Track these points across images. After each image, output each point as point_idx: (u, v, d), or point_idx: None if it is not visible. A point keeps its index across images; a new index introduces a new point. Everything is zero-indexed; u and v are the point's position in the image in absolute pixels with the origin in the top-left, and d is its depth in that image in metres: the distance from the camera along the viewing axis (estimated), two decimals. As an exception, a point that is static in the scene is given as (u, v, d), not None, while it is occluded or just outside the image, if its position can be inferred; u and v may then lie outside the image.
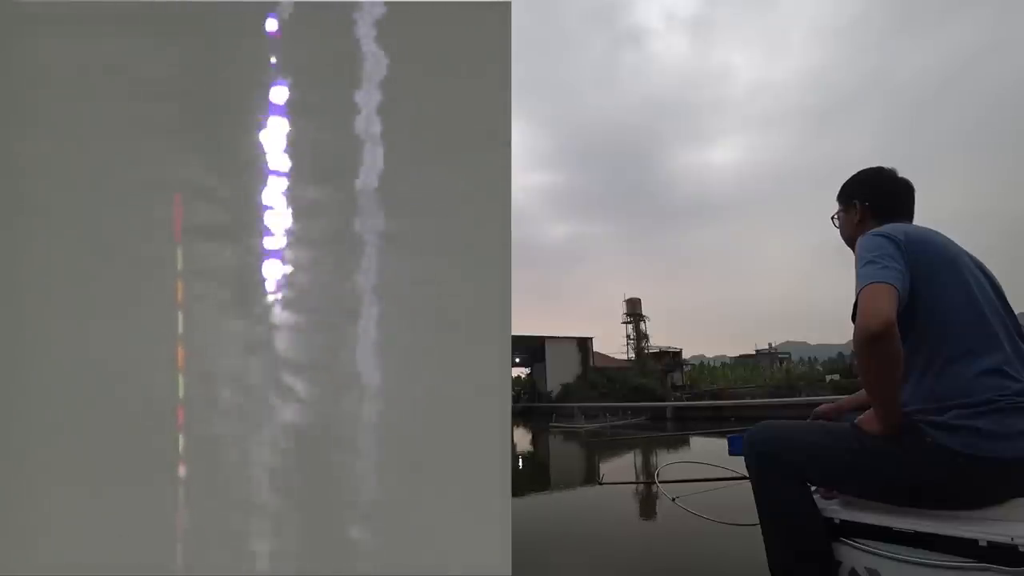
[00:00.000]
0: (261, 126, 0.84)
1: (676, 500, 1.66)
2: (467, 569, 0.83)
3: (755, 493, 1.17)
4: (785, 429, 1.19)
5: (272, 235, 0.84)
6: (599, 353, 34.93)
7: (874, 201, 1.24)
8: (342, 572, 0.82)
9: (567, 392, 27.89)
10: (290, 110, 0.85)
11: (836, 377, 22.66)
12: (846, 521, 1.07)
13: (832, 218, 1.35)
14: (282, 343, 0.84)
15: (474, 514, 0.84)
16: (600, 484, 5.91)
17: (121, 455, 0.81)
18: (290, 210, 0.84)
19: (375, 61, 0.84)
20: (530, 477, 7.04)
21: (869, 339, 0.90)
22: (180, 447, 0.81)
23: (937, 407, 0.97)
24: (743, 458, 1.21)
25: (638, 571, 2.73)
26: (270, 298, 0.84)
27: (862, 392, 1.26)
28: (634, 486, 4.94)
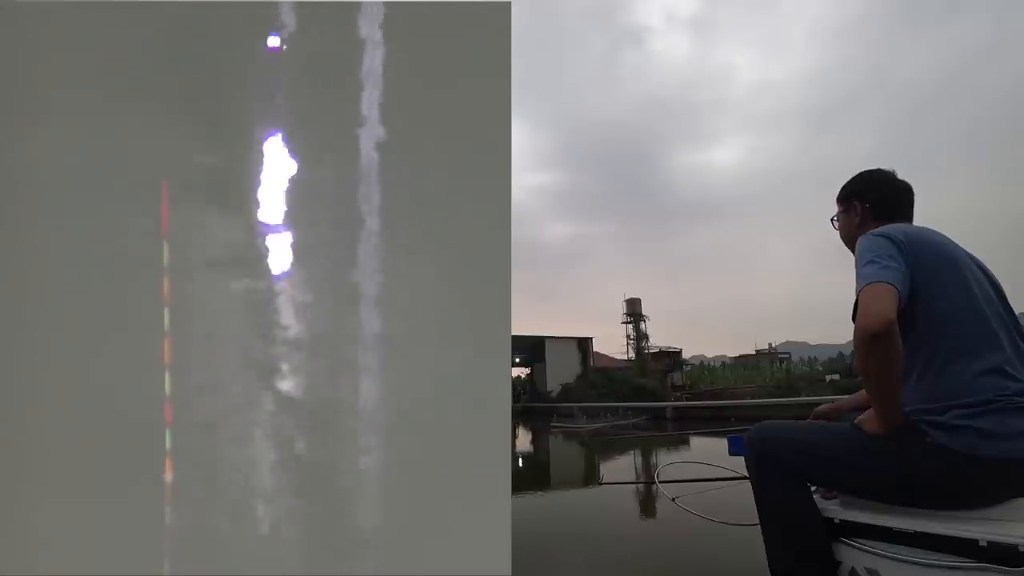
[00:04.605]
0: (258, 125, 0.84)
1: (676, 500, 1.66)
2: (467, 569, 0.82)
3: (755, 493, 1.17)
4: (785, 429, 1.19)
5: (269, 233, 0.84)
6: (599, 353, 34.92)
7: (874, 202, 1.24)
8: (341, 572, 0.82)
9: (567, 392, 27.88)
10: (287, 109, 0.85)
11: (836, 377, 22.64)
12: (846, 521, 1.07)
13: (832, 220, 1.35)
14: (278, 343, 0.84)
15: (474, 514, 0.84)
16: (600, 484, 5.92)
17: (110, 458, 0.81)
18: (288, 209, 0.84)
19: (374, 61, 0.84)
20: (531, 477, 7.04)
21: (869, 339, 0.90)
22: (168, 448, 0.81)
23: (937, 407, 0.97)
24: (743, 458, 1.21)
25: (638, 571, 2.73)
26: (265, 299, 0.84)
27: (862, 392, 1.26)
28: (634, 486, 4.94)
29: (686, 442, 9.08)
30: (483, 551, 0.83)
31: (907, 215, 1.23)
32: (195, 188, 0.83)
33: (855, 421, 1.07)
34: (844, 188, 1.32)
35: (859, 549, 1.02)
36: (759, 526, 1.15)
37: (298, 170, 0.85)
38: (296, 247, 0.84)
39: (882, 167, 1.28)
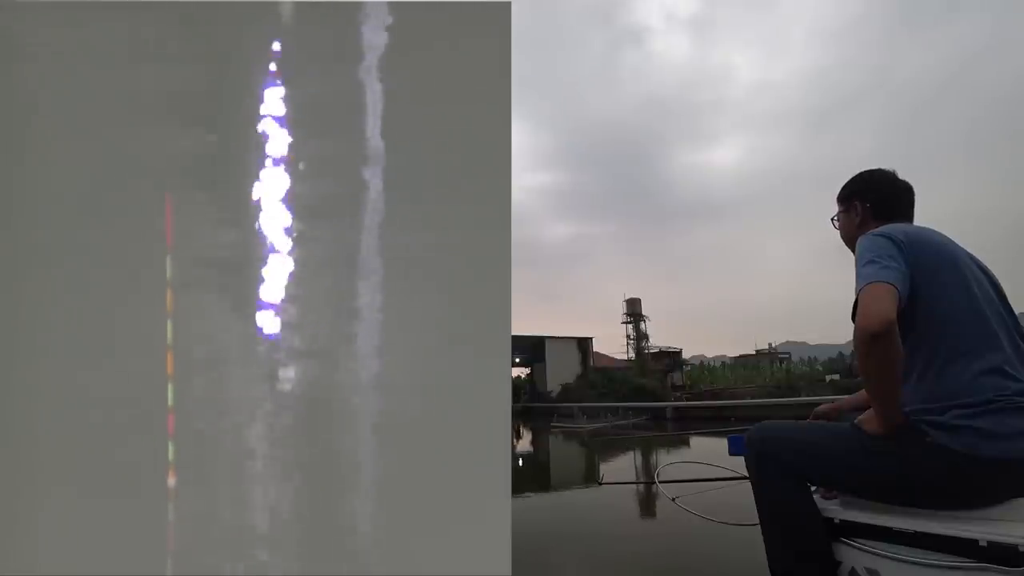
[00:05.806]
0: (259, 127, 0.84)
1: (676, 500, 1.66)
2: (467, 569, 0.83)
3: (755, 493, 1.17)
4: (785, 429, 1.19)
5: (270, 235, 0.84)
6: (599, 353, 34.92)
7: (875, 202, 1.24)
8: (342, 572, 0.82)
9: (567, 392, 27.87)
10: (289, 111, 0.85)
11: (836, 377, 22.61)
12: (846, 521, 1.07)
13: (832, 220, 1.35)
14: (279, 343, 0.84)
15: (474, 514, 0.84)
16: (600, 484, 5.92)
17: (112, 462, 0.81)
18: (288, 211, 0.84)
19: (375, 61, 0.84)
20: (531, 477, 7.04)
21: (869, 339, 0.90)
22: (169, 452, 0.81)
23: (937, 407, 0.97)
24: (743, 458, 1.21)
25: (638, 571, 2.73)
26: (266, 299, 0.84)
27: (862, 392, 1.26)
28: (634, 486, 4.94)
29: (686, 442, 9.08)
30: (483, 551, 0.83)
31: (907, 215, 1.23)
32: (195, 187, 0.83)
33: (855, 421, 1.07)
34: (844, 188, 1.32)
35: (859, 549, 1.02)
36: (759, 526, 1.15)
37: (298, 171, 0.85)
38: (296, 247, 0.84)
39: (882, 167, 1.28)
